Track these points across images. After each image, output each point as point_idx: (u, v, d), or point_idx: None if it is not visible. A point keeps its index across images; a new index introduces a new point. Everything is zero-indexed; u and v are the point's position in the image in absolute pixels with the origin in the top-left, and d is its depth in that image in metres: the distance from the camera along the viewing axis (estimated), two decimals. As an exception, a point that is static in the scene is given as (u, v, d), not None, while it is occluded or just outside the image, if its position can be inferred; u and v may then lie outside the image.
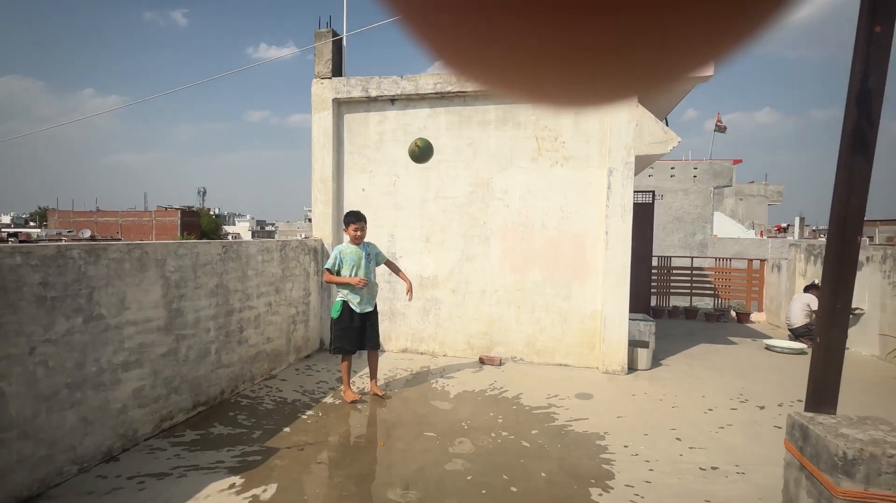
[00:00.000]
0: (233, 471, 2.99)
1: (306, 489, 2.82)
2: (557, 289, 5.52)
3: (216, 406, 4.05)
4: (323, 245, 6.00)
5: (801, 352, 6.33)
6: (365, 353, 4.50)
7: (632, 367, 5.36)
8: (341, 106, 6.12)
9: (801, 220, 21.44)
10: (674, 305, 9.24)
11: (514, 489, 2.85)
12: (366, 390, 4.49)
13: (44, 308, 2.67)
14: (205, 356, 3.95)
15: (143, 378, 3.34)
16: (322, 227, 6.09)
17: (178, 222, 36.46)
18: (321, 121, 6.04)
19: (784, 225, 27.50)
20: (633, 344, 5.46)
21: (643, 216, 7.91)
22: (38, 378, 2.65)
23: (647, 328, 5.79)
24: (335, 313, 4.16)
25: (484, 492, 2.82)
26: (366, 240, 4.28)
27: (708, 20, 0.16)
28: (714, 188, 18.36)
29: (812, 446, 1.36)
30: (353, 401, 4.17)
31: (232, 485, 2.81)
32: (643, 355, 5.39)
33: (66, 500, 2.62)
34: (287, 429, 3.63)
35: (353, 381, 4.63)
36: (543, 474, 3.04)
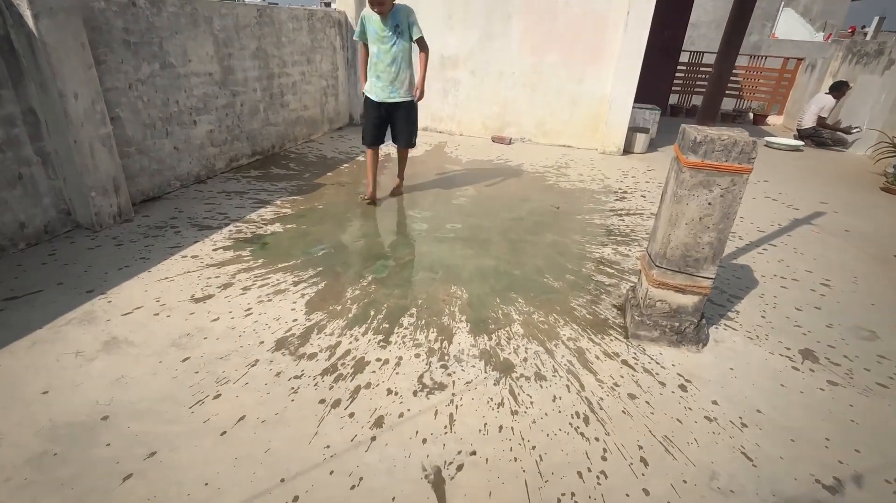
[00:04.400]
0: (293, 192, 4.01)
1: (347, 203, 3.83)
2: (572, 72, 5.82)
3: (269, 156, 4.99)
4: (346, 18, 6.16)
5: (796, 150, 6.79)
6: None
7: (628, 150, 6.01)
8: None
9: (881, 20, 18.88)
10: (694, 104, 9.35)
11: (504, 215, 3.83)
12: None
13: (130, 51, 3.31)
14: (255, 113, 4.70)
15: (211, 123, 4.15)
16: (345, -1, 6.15)
17: None
18: None
19: (862, 27, 24.26)
20: (634, 129, 5.99)
21: (680, 5, 7.51)
22: (139, 109, 3.46)
23: (652, 116, 6.24)
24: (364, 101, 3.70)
25: (482, 212, 3.81)
26: (399, 4, 3.38)
27: None
28: (790, -24, 15.95)
29: (683, 139, 2.07)
30: (369, 202, 3.82)
31: (294, 200, 3.85)
32: (641, 139, 5.97)
33: (177, 201, 3.69)
34: (329, 174, 4.58)
35: (379, 181, 4.08)
36: (527, 208, 4.00)
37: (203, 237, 3.12)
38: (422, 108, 6.50)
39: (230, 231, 3.23)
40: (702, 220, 2.06)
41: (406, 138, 3.79)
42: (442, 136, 6.42)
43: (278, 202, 3.79)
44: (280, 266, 2.83)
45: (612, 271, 3.01)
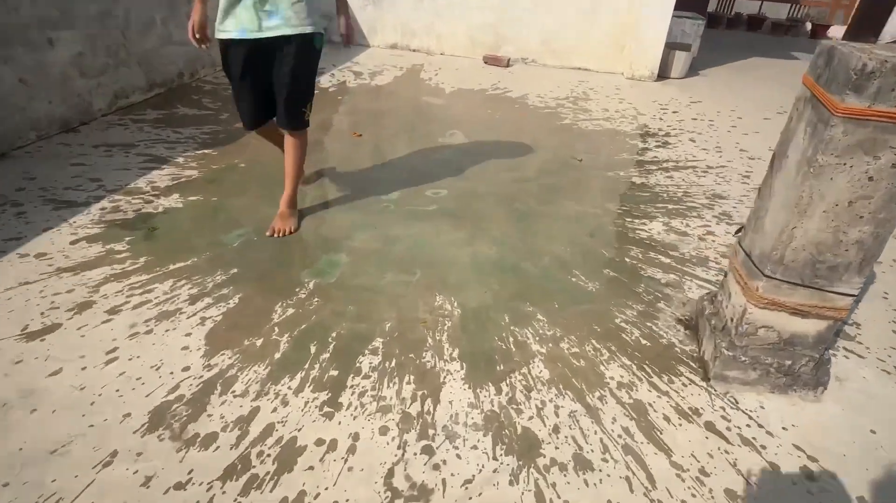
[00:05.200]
0: (204, 143, 3.24)
1: (282, 158, 3.09)
2: (591, -33, 4.96)
3: (176, 89, 4.14)
4: None
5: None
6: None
7: (662, 75, 5.27)
8: None
9: None
10: (737, 12, 8.51)
11: (505, 174, 3.15)
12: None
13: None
14: (150, 27, 3.81)
15: (77, 42, 3.29)
16: None
17: None
18: None
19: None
20: (672, 46, 5.23)
21: None
22: (-51, 21, 2.60)
23: (694, 29, 5.48)
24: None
25: (475, 169, 3.12)
26: None
27: None
28: None
29: (832, 68, 1.40)
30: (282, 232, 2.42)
31: (205, 155, 3.10)
32: (680, 60, 5.23)
33: (29, 161, 2.90)
34: (259, 114, 3.78)
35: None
36: (536, 162, 3.32)
37: (60, 221, 2.39)
38: (389, 16, 5.62)
39: (103, 210, 2.50)
40: (852, 204, 1.43)
41: (285, 110, 2.28)
42: (416, 57, 5.57)
43: (181, 159, 3.03)
44: (172, 268, 2.14)
45: (669, 260, 2.40)
